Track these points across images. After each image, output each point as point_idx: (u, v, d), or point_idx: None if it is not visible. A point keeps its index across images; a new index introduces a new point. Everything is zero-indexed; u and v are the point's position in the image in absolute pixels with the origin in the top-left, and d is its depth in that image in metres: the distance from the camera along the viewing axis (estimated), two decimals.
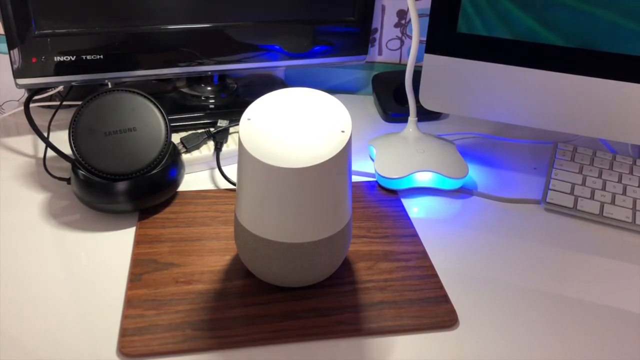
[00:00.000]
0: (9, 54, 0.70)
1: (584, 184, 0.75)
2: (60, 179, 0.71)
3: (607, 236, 0.70)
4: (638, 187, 0.75)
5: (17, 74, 0.71)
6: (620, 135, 0.73)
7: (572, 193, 0.74)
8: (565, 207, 0.72)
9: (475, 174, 0.80)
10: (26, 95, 0.88)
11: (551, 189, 0.75)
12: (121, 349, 0.52)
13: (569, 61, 0.71)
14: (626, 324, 0.58)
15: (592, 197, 0.73)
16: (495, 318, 0.58)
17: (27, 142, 0.81)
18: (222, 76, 0.87)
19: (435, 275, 0.62)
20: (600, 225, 0.72)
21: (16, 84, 0.72)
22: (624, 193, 0.74)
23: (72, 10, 0.71)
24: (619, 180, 0.76)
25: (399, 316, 0.57)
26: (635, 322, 0.58)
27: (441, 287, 0.60)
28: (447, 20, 0.73)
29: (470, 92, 0.77)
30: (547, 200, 0.73)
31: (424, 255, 0.65)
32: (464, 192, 0.76)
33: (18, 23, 0.69)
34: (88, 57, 0.73)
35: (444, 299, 0.59)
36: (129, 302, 0.56)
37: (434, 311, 0.58)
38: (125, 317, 0.55)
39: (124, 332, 0.53)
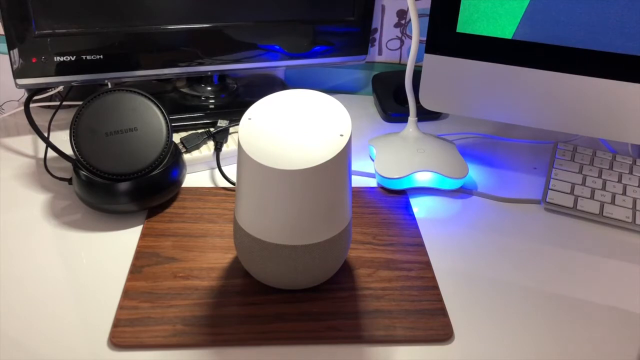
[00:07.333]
0: (9, 54, 0.70)
1: (583, 183, 0.75)
2: (61, 179, 0.71)
3: (607, 236, 0.70)
4: (638, 186, 0.75)
5: (17, 74, 0.71)
6: (620, 135, 0.73)
7: (572, 193, 0.74)
8: (565, 206, 0.72)
9: (475, 173, 0.80)
10: (26, 95, 0.88)
11: (551, 189, 0.75)
12: (112, 339, 0.52)
13: (569, 61, 0.71)
14: (626, 325, 0.58)
15: (592, 197, 0.73)
16: (494, 325, 0.57)
17: (28, 143, 0.81)
18: (222, 76, 0.87)
19: (436, 287, 0.60)
20: (600, 225, 0.72)
21: (16, 84, 0.72)
22: (624, 193, 0.74)
23: (72, 10, 0.71)
24: (619, 180, 0.76)
25: (392, 326, 0.56)
26: (635, 323, 0.58)
27: (440, 300, 0.59)
28: (446, 20, 0.73)
29: (470, 92, 0.76)
30: (547, 200, 0.73)
31: (427, 265, 0.63)
32: (464, 192, 0.76)
33: (18, 23, 0.69)
34: (88, 57, 0.73)
35: (441, 312, 0.58)
36: (126, 294, 0.57)
37: (429, 324, 0.56)
38: (120, 308, 0.55)
39: (116, 323, 0.54)
